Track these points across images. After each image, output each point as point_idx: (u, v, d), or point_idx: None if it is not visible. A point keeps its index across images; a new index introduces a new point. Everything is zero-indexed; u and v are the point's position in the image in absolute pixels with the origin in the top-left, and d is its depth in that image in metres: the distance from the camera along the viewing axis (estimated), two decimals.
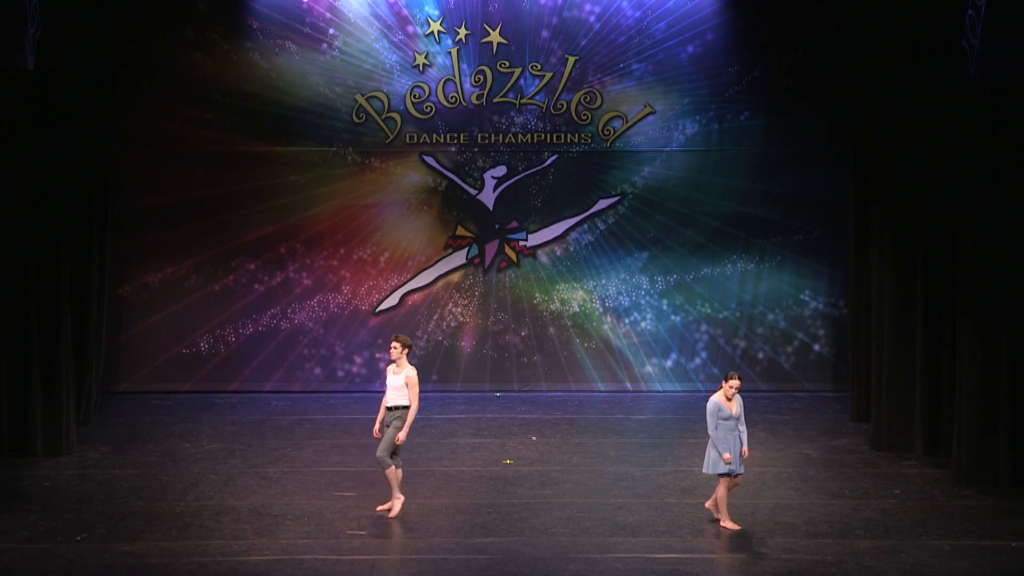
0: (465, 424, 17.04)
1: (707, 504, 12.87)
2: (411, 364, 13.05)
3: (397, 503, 12.92)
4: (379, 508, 13.02)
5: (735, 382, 12.51)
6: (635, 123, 18.85)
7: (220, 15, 18.45)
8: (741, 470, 12.57)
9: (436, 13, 18.66)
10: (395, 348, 12.99)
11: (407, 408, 12.88)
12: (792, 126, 18.72)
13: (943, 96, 14.85)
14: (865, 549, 11.93)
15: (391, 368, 13.05)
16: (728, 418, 12.43)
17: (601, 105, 18.83)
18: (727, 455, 12.34)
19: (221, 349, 18.91)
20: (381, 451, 12.81)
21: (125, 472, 14.49)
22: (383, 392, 13.06)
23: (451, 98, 18.81)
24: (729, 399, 12.48)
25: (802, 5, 18.54)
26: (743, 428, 12.56)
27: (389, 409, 12.94)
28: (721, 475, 12.46)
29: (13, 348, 15.07)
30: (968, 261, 14.09)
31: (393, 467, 12.85)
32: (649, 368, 19.11)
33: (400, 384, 12.88)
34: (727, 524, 12.53)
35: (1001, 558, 11.74)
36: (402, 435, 12.79)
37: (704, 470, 12.63)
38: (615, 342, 19.14)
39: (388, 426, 12.88)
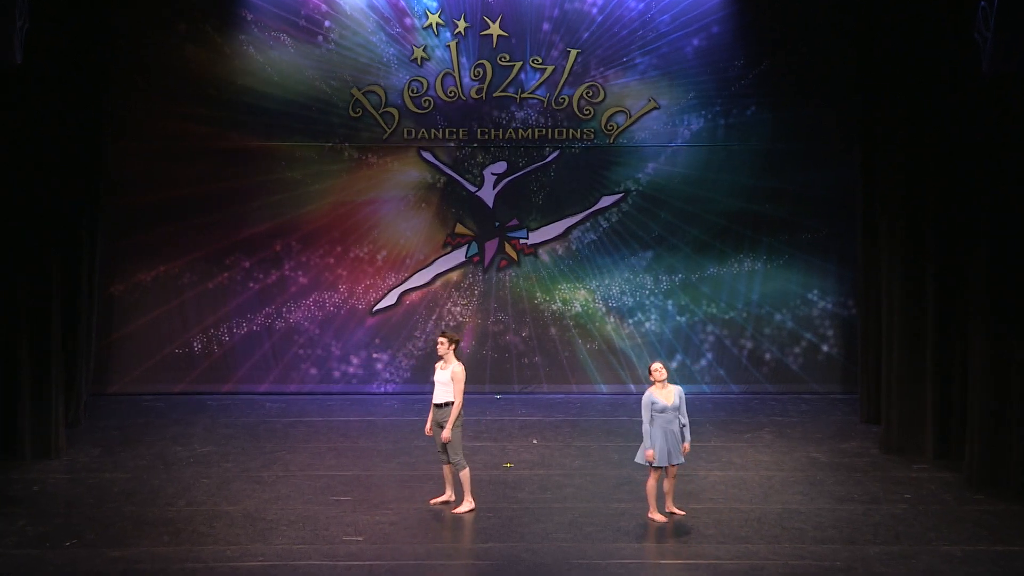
0: (465, 426, 16.71)
1: (667, 510, 12.78)
2: (458, 360, 13.06)
3: (465, 504, 13.02)
4: (458, 509, 13.06)
5: (658, 364, 12.66)
6: (639, 118, 18.66)
7: (213, 7, 18.38)
8: (681, 460, 12.61)
9: (434, 5, 18.49)
10: (442, 344, 13.07)
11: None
12: (799, 121, 18.59)
13: (954, 91, 14.67)
14: (875, 555, 11.83)
15: (438, 365, 13.09)
16: (664, 410, 12.50)
17: (604, 100, 18.63)
18: (649, 452, 12.40)
19: (215, 349, 18.73)
20: (452, 456, 12.92)
21: (116, 476, 14.38)
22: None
23: (450, 92, 18.59)
24: (660, 385, 12.52)
25: None
26: (685, 421, 12.62)
27: (437, 407, 13.00)
28: (654, 468, 12.53)
29: (1, 348, 14.96)
30: (979, 260, 13.98)
31: (465, 469, 12.96)
32: None
33: (447, 379, 12.97)
34: (657, 515, 12.59)
35: (1013, 564, 11.66)
36: (446, 434, 12.87)
37: (636, 459, 12.71)
38: (618, 343, 18.93)
39: (441, 426, 12.95)
